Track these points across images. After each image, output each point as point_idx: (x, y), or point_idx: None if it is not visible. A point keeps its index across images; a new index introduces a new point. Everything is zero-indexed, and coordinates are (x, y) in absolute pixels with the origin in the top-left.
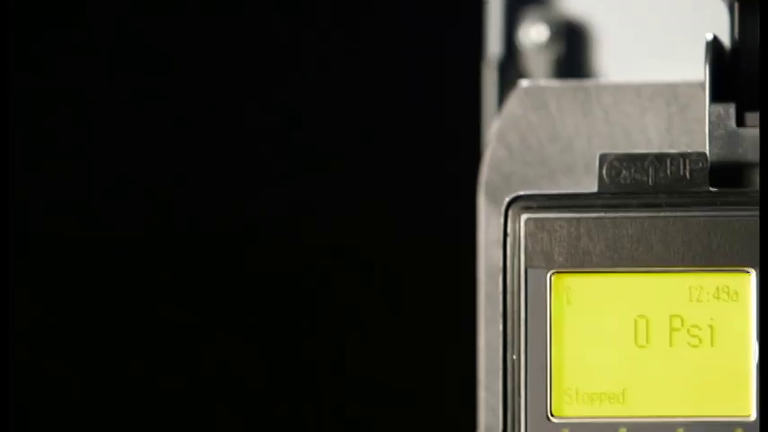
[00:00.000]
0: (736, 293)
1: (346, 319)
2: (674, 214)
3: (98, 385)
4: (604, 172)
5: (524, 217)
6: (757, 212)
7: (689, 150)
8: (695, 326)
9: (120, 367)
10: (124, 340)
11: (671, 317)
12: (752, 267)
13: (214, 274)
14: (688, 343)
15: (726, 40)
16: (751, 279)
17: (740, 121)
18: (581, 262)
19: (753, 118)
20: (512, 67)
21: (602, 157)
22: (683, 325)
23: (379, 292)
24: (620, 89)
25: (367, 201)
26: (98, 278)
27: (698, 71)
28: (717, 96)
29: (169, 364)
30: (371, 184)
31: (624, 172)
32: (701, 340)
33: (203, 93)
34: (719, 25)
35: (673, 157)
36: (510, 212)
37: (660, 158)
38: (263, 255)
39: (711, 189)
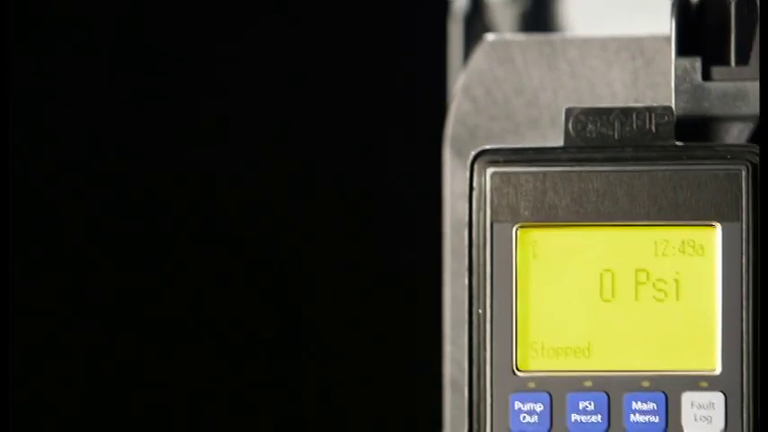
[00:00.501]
0: (702, 247)
1: (310, 266)
2: (640, 168)
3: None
4: (570, 126)
5: (490, 171)
6: (722, 166)
7: (655, 104)
8: (661, 280)
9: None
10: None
11: (636, 271)
12: (717, 221)
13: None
14: (653, 297)
15: None
16: (716, 233)
17: (706, 75)
18: (547, 216)
19: (718, 72)
20: (477, 21)
21: (568, 111)
22: (648, 279)
23: (343, 245)
24: (585, 43)
25: (333, 154)
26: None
27: (664, 25)
28: (682, 50)
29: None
30: (338, 139)
31: (590, 126)
32: (666, 294)
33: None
34: None
35: (638, 111)
36: (475, 166)
37: (626, 112)
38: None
39: (677, 143)
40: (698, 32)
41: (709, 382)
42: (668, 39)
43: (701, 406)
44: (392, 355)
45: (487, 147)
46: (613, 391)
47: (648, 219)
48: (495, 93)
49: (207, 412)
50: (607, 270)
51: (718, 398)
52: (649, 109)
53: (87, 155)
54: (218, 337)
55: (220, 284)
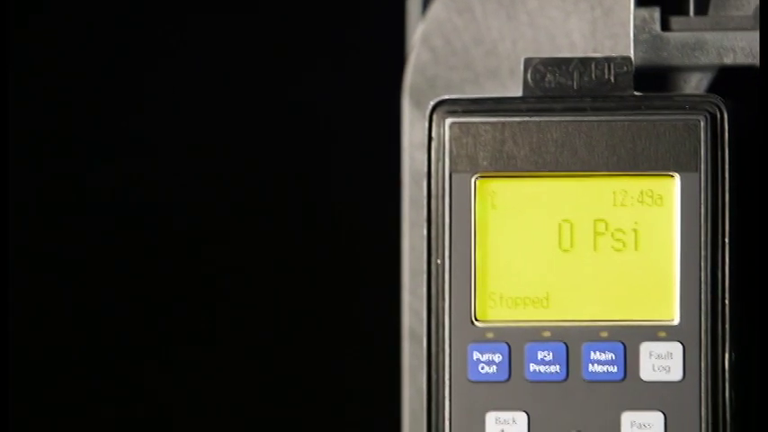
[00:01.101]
0: (661, 197)
1: (264, 220)
2: (599, 118)
3: None
4: (529, 76)
5: (449, 121)
6: (681, 116)
7: (613, 54)
8: (619, 230)
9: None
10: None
11: (595, 221)
12: (676, 171)
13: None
14: (612, 247)
15: None
16: (675, 183)
17: (665, 26)
18: (505, 166)
19: (677, 22)
20: None
21: (527, 62)
22: (607, 229)
23: (300, 195)
24: None
25: (291, 104)
26: None
27: None
28: (641, 0)
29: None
30: (297, 89)
31: (549, 76)
32: (624, 244)
33: None
34: None
35: (597, 61)
36: (434, 116)
37: (585, 62)
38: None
39: (636, 93)
40: None
41: (668, 332)
42: None
43: (659, 356)
44: (349, 307)
45: (446, 97)
46: (572, 341)
47: (607, 169)
48: (454, 43)
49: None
50: (566, 220)
51: (676, 348)
52: (608, 59)
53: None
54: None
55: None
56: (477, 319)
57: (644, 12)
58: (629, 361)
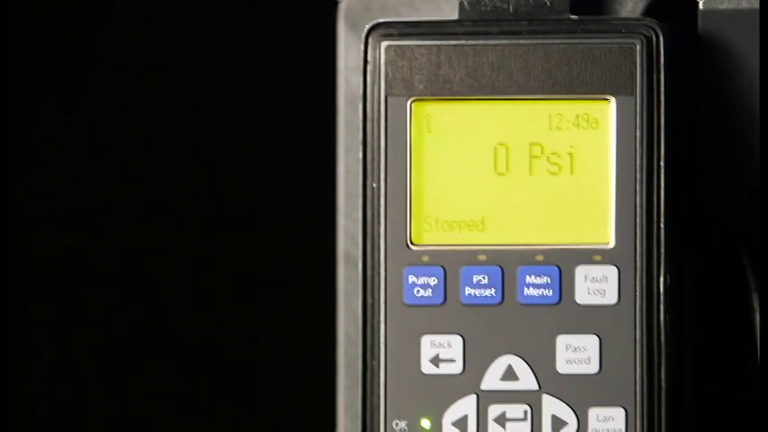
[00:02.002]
0: (596, 121)
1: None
2: (535, 42)
3: None
4: None
5: (384, 44)
6: (617, 39)
7: None
8: (555, 153)
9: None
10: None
11: (531, 144)
12: (611, 95)
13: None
14: (548, 171)
15: None
16: (610, 106)
17: None
18: (441, 89)
19: None
20: None
21: None
22: (542, 152)
23: (238, 120)
24: None
25: (229, 31)
26: None
27: None
28: None
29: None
30: (230, 15)
31: None
32: (560, 168)
33: None
34: None
35: None
36: (370, 39)
37: None
38: None
39: (572, 16)
40: None
41: (603, 256)
42: None
43: (594, 279)
44: (282, 228)
45: (382, 20)
46: (507, 264)
47: (543, 92)
48: None
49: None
50: (501, 144)
51: (611, 271)
52: None
53: None
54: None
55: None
56: (412, 243)
57: None
58: (564, 284)
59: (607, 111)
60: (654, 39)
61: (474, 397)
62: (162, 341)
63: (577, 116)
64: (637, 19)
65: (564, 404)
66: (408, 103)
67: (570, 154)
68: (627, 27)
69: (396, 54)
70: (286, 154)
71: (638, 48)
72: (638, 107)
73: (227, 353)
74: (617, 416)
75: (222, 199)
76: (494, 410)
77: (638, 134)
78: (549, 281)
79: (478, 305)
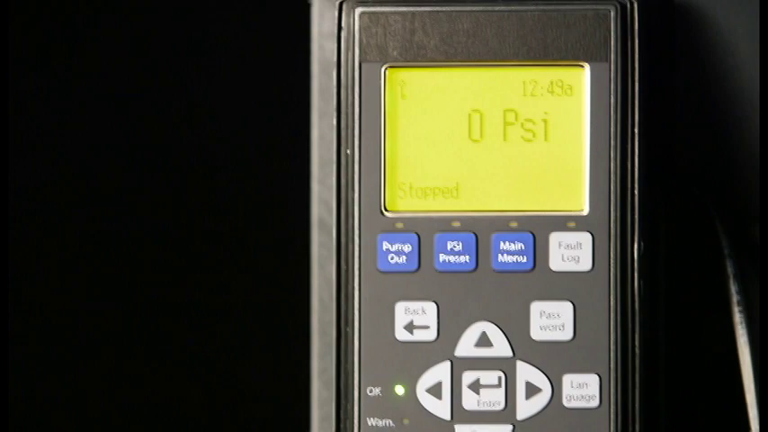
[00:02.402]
0: (570, 87)
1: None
2: (509, 8)
3: None
4: None
5: (359, 10)
6: (591, 6)
7: None
8: (529, 120)
9: None
10: None
11: (505, 111)
12: (586, 61)
13: None
14: (522, 137)
15: None
16: (585, 73)
17: None
18: (415, 56)
19: None
20: None
21: None
22: (517, 119)
23: (207, 82)
24: None
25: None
26: None
27: None
28: None
29: None
30: None
31: None
32: (534, 134)
33: None
34: None
35: None
36: (344, 6)
37: None
38: None
39: None
40: None
41: (577, 223)
42: None
43: (568, 246)
44: (255, 187)
45: None
46: (481, 231)
47: (517, 59)
48: None
49: None
50: (475, 110)
51: (585, 238)
52: None
53: None
54: None
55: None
56: (386, 210)
57: None
58: (538, 251)
59: (581, 77)
60: (628, 5)
61: (448, 363)
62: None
63: (552, 83)
64: None
65: (538, 371)
66: (382, 70)
67: (545, 121)
68: None
69: (370, 20)
70: (262, 121)
71: (612, 14)
72: (612, 74)
73: (193, 318)
74: (591, 382)
75: (191, 171)
76: (468, 377)
77: (612, 101)
78: (523, 247)
79: (452, 272)
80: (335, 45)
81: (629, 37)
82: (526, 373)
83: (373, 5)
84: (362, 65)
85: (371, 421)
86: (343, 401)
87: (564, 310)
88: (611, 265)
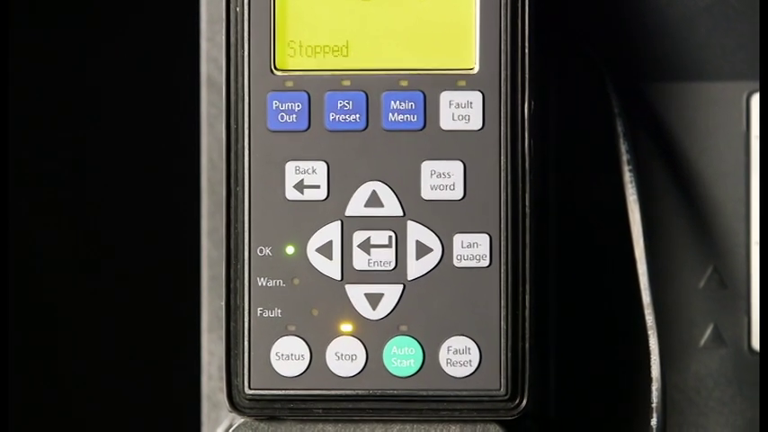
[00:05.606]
0: None
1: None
2: None
3: None
4: None
5: None
6: None
7: None
8: None
9: None
10: None
11: None
12: None
13: None
14: None
15: None
16: None
17: None
18: None
19: None
20: None
21: None
22: None
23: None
24: None
25: None
26: None
27: None
28: None
29: None
30: None
31: None
32: None
33: None
34: None
35: None
36: None
37: None
38: None
39: None
40: None
41: (468, 81)
42: None
43: (459, 105)
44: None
45: None
46: (372, 90)
47: None
48: None
49: None
50: None
51: (476, 96)
52: None
53: None
54: None
55: None
56: (276, 68)
57: None
58: (428, 110)
59: None
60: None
61: (338, 223)
62: None
63: None
64: None
65: (428, 230)
66: None
67: None
68: None
69: None
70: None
71: None
72: None
73: None
74: (482, 241)
75: None
76: (358, 237)
77: None
78: (413, 106)
79: (343, 131)
80: None
81: None
82: (417, 232)
83: None
84: None
85: (261, 281)
86: (233, 261)
87: (454, 169)
88: (502, 124)
